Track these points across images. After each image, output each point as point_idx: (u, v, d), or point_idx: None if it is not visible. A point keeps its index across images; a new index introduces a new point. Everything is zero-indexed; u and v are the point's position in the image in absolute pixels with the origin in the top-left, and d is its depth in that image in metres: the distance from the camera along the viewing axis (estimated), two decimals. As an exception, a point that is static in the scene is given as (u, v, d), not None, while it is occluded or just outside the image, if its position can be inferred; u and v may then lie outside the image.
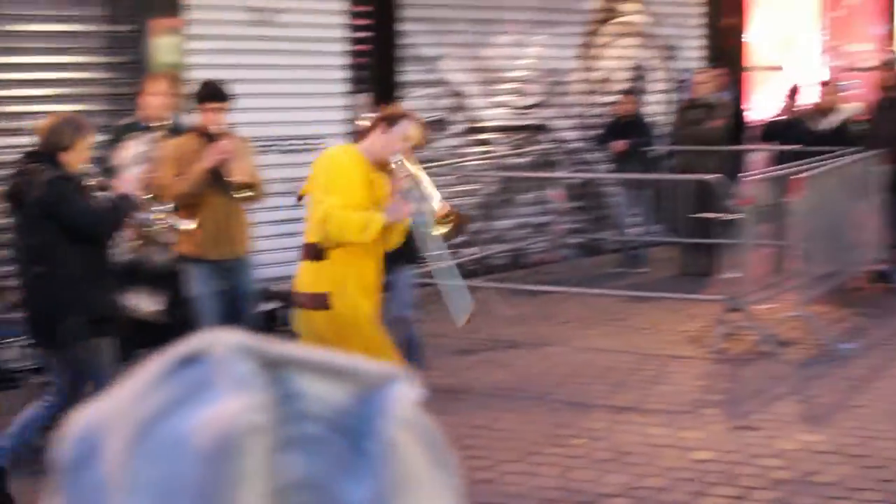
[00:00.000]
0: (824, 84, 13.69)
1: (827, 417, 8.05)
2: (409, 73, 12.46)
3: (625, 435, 7.72)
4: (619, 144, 13.14)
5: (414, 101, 12.42)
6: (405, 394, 0.81)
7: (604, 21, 14.72)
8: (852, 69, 17.00)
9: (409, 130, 7.03)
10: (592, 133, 14.01)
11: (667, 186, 12.84)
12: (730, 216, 10.77)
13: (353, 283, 6.79)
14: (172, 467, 0.76)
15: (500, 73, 13.15)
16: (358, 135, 7.68)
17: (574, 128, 14.25)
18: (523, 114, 13.53)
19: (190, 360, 0.79)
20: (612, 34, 14.86)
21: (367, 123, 7.61)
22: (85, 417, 0.83)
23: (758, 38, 16.88)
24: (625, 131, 13.25)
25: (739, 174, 10.83)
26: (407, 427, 0.81)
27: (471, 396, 8.41)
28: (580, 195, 13.47)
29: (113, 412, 0.80)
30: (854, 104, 13.73)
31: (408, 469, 0.80)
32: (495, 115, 12.98)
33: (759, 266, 10.85)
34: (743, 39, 16.40)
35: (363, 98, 11.73)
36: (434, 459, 0.84)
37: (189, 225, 8.09)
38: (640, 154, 13.19)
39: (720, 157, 12.55)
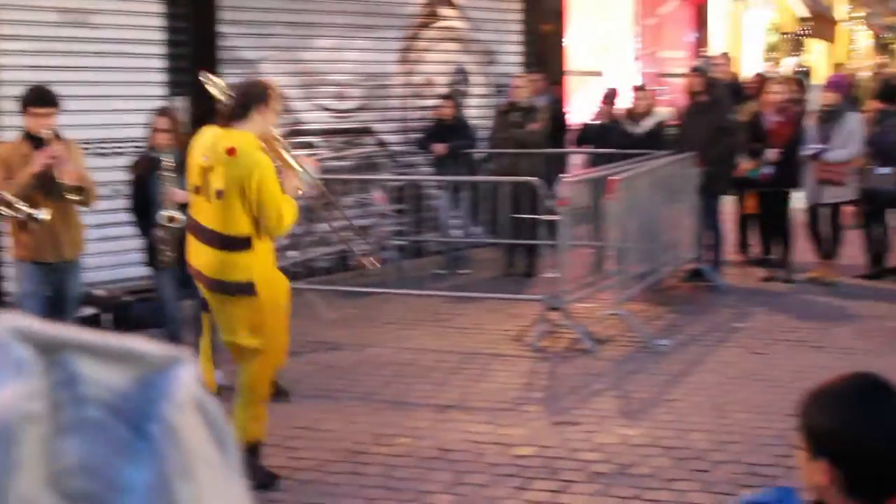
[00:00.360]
0: (638, 89, 14.02)
1: (643, 411, 8.24)
2: (228, 75, 12.36)
3: (448, 433, 7.78)
4: (440, 147, 13.24)
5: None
6: (188, 376, 0.80)
7: (424, 26, 14.82)
8: (665, 75, 17.42)
9: (278, 99, 7.29)
10: (414, 136, 14.10)
11: (487, 188, 12.96)
12: (548, 217, 10.96)
13: (275, 268, 7.17)
14: None
15: (321, 76, 13.14)
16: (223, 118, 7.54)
17: (396, 131, 14.33)
18: (345, 117, 13.53)
19: None
20: (432, 39, 14.98)
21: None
22: None
23: (576, 44, 17.22)
24: (445, 134, 13.35)
25: (558, 176, 11.00)
26: (190, 409, 0.80)
27: (295, 398, 8.37)
28: (402, 198, 13.53)
29: None
30: (666, 109, 14.09)
31: (191, 451, 0.79)
32: (317, 119, 12.96)
33: (577, 266, 11.08)
34: (561, 45, 16.69)
35: (180, 101, 11.62)
36: (218, 441, 0.83)
37: (43, 215, 7.98)
38: (461, 157, 13.34)
39: (539, 160, 12.78)
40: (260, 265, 6.87)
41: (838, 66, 27.88)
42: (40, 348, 0.76)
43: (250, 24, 12.60)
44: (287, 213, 6.86)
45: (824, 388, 2.73)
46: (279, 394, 8.34)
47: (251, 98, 7.10)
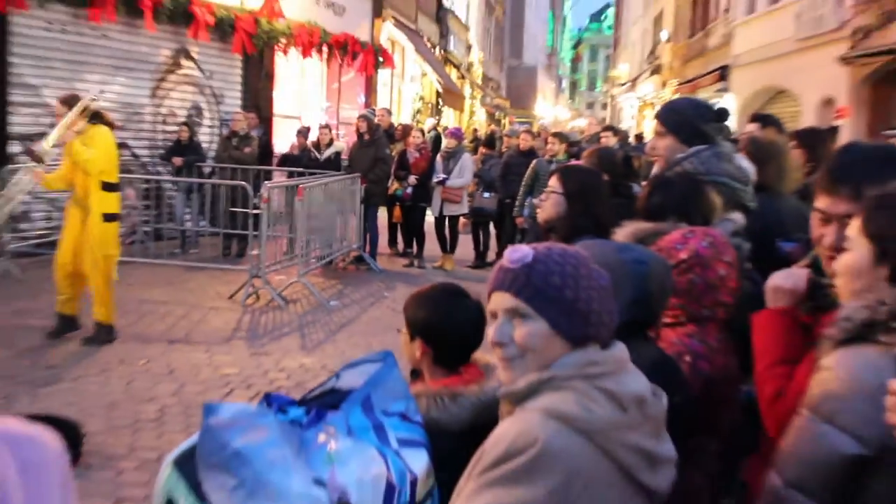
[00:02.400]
0: (323, 128, 14.10)
1: (316, 348, 8.34)
2: (15, 95, 11.77)
3: (175, 359, 7.68)
4: (178, 160, 12.99)
5: (20, 118, 11.79)
6: None
7: (169, 71, 14.44)
8: (341, 121, 17.57)
9: None
10: (159, 151, 13.77)
11: (211, 190, 12.79)
12: (255, 212, 10.94)
13: None
14: None
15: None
16: None
17: (146, 147, 13.91)
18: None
19: None
20: (176, 81, 14.60)
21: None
22: None
23: (281, 95, 17.18)
24: (183, 151, 13.11)
25: (263, 183, 11.00)
26: None
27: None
28: (149, 195, 13.17)
29: None
30: (341, 143, 14.25)
31: None
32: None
33: (274, 248, 11.06)
34: (270, 94, 16.64)
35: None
36: None
37: None
38: (194, 168, 13.12)
39: (250, 173, 12.71)
40: None
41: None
42: None
43: (35, 58, 11.98)
44: None
45: (422, 292, 2.87)
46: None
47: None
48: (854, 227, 2.16)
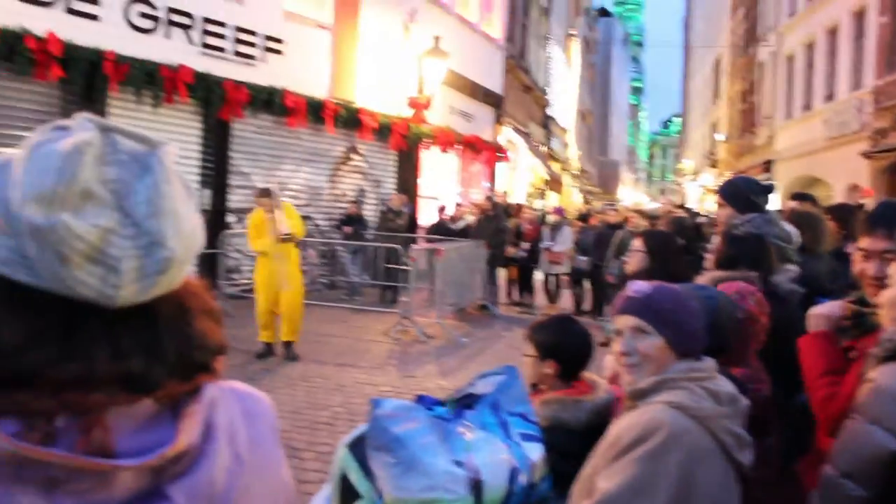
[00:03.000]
0: (458, 206, 14.26)
1: (450, 373, 8.31)
2: (233, 179, 12.29)
3: (343, 378, 7.75)
4: (348, 229, 13.22)
5: (235, 197, 12.28)
6: (171, 150, 0.84)
7: (342, 162, 14.84)
8: (470, 201, 17.69)
9: None
10: (334, 222, 14.05)
11: (372, 251, 12.96)
12: (405, 268, 11.06)
13: None
14: (44, 164, 0.78)
15: (286, 185, 13.07)
16: None
17: (324, 218, 14.24)
18: (298, 208, 13.43)
19: (61, 128, 0.82)
20: (347, 170, 15.00)
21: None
22: None
23: (425, 181, 17.44)
24: (351, 222, 13.36)
25: (411, 246, 11.11)
26: (170, 159, 0.84)
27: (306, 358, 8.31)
28: (325, 255, 13.49)
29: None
30: (470, 216, 14.33)
31: (173, 174, 0.84)
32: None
33: (419, 296, 11.12)
34: (416, 180, 16.90)
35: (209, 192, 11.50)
36: (186, 186, 0.87)
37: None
38: (360, 235, 13.36)
39: (402, 239, 12.85)
40: None
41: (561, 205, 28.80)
42: (99, 127, 0.81)
43: (248, 153, 12.52)
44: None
45: (545, 321, 2.87)
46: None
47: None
48: (894, 267, 2.11)
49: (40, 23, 9.19)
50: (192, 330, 0.86)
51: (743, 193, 3.78)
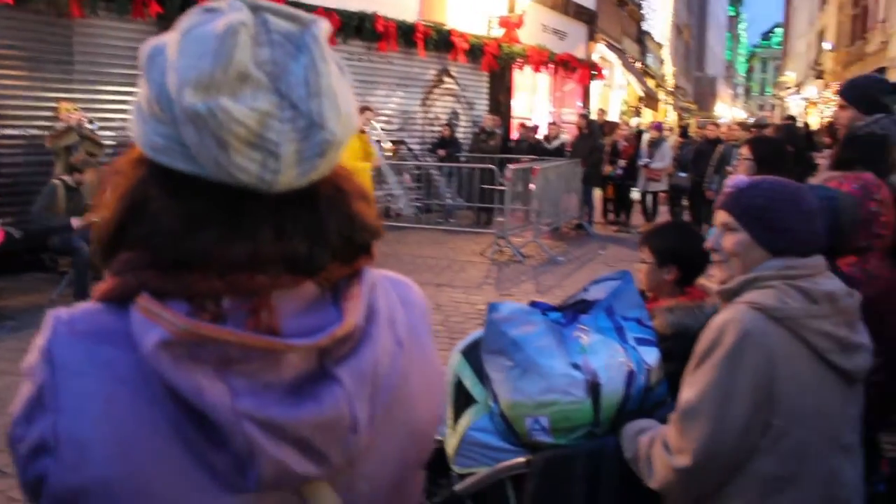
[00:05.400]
0: (550, 125, 14.01)
1: (548, 291, 8.22)
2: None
3: (441, 298, 7.82)
4: (442, 151, 13.19)
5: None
6: (324, 26, 0.80)
7: (435, 86, 14.71)
8: (564, 121, 17.35)
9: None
10: (428, 145, 14.00)
11: (467, 173, 12.87)
12: (500, 188, 10.99)
13: None
14: (199, 47, 0.75)
15: (379, 110, 13.07)
16: None
17: (417, 143, 14.19)
18: (390, 133, 13.50)
19: (211, 9, 0.78)
20: (440, 93, 14.87)
21: None
22: None
23: (518, 102, 17.16)
24: (445, 145, 13.32)
25: (506, 166, 11.01)
26: (325, 36, 0.80)
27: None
28: (420, 179, 13.54)
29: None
30: (565, 136, 14.08)
31: (328, 53, 0.80)
32: (378, 135, 12.78)
33: (515, 216, 11.05)
34: (510, 101, 16.62)
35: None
36: (340, 67, 0.83)
37: None
38: (454, 157, 13.31)
39: (496, 160, 12.72)
40: None
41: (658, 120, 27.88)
42: (251, 7, 0.77)
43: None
44: None
45: (664, 227, 2.81)
46: None
47: None
48: None
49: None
50: (351, 211, 0.85)
51: (868, 93, 3.54)
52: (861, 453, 1.88)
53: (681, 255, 2.55)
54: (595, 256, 10.55)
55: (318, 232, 0.82)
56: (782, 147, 4.25)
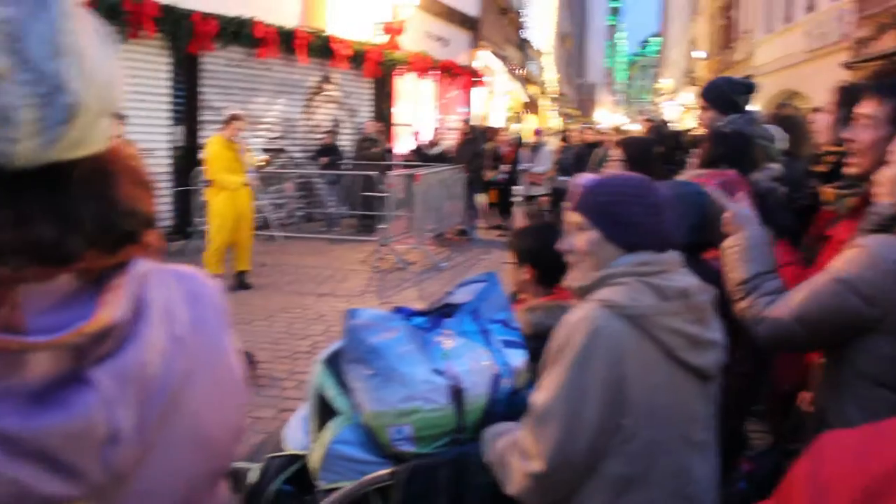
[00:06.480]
0: (435, 131, 14.05)
1: (431, 297, 8.04)
2: (204, 115, 11.97)
3: (323, 307, 7.70)
4: (324, 159, 13.03)
5: (205, 133, 11.99)
6: None
7: (316, 93, 14.48)
8: (447, 127, 17.43)
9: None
10: (310, 154, 13.78)
11: (348, 180, 12.76)
12: (382, 195, 10.91)
13: None
14: None
15: (259, 118, 12.78)
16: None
17: (299, 150, 13.95)
18: (271, 141, 13.21)
19: None
20: (321, 100, 14.65)
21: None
22: None
23: (400, 108, 17.15)
24: (327, 153, 13.17)
25: (388, 173, 10.93)
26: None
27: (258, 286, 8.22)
28: (302, 187, 13.31)
29: None
30: (447, 141, 14.15)
31: (78, 16, 0.72)
32: (256, 143, 12.43)
33: (398, 223, 11.00)
34: (391, 108, 16.60)
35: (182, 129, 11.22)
36: (99, 31, 0.75)
37: None
38: (336, 165, 13.16)
39: (378, 167, 12.64)
40: None
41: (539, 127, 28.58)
42: None
43: (219, 87, 12.15)
44: None
45: (525, 228, 2.82)
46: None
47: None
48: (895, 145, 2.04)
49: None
50: (114, 195, 0.75)
51: (724, 94, 3.71)
52: (715, 450, 1.88)
53: (536, 254, 2.58)
54: (479, 261, 10.64)
55: (67, 215, 0.71)
56: (651, 147, 4.37)
